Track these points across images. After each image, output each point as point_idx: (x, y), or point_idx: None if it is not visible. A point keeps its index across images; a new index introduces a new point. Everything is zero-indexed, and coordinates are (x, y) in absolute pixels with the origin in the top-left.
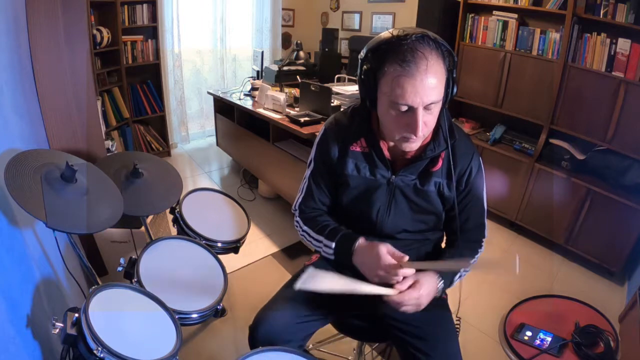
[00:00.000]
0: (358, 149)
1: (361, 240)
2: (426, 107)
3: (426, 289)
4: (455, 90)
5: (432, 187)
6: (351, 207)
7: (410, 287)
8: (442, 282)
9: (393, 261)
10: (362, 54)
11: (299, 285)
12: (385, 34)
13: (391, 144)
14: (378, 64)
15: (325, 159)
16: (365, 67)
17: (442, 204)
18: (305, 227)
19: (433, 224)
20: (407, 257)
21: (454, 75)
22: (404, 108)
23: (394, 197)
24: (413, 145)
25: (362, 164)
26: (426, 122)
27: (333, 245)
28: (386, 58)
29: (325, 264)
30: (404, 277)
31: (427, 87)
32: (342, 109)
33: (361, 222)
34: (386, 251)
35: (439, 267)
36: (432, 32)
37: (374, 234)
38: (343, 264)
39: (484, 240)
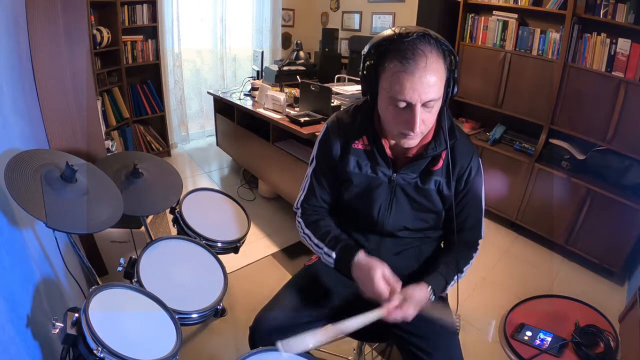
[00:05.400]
0: (360, 147)
1: (361, 255)
2: (425, 105)
3: (413, 306)
4: (455, 89)
5: (433, 185)
6: (353, 204)
7: (397, 307)
8: (432, 291)
9: (385, 290)
10: (364, 50)
11: (284, 349)
12: (387, 32)
13: (392, 141)
14: (379, 60)
15: (327, 156)
16: (367, 62)
17: (442, 202)
18: (307, 230)
19: (434, 223)
20: (400, 284)
21: (455, 75)
22: (402, 104)
23: (395, 195)
24: (411, 142)
25: (363, 162)
26: (424, 120)
27: (334, 255)
28: (387, 54)
29: (326, 266)
30: (393, 295)
31: (425, 84)
32: (342, 108)
33: (363, 220)
34: (381, 275)
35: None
36: (433, 32)
37: (375, 231)
38: (342, 273)
39: (479, 241)
